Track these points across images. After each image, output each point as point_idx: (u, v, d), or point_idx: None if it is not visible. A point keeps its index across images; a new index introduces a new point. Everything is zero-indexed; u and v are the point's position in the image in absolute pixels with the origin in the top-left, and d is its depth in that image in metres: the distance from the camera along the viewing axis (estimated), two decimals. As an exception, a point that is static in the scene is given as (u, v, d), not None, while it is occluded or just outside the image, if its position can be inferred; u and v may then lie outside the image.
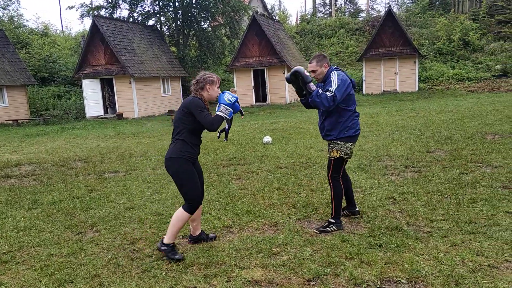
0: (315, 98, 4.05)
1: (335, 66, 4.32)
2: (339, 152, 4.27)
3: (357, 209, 4.75)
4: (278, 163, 7.85)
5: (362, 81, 25.45)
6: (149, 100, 22.98)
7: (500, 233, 3.94)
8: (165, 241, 3.88)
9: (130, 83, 21.71)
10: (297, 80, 4.12)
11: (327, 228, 4.31)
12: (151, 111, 22.97)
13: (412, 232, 4.12)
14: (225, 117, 3.77)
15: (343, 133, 4.24)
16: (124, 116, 21.83)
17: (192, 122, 3.74)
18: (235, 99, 3.83)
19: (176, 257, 3.81)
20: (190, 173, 3.80)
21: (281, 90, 24.21)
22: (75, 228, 4.93)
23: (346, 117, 4.24)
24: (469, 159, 7.03)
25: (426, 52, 29.56)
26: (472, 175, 6.03)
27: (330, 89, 4.06)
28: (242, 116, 13.18)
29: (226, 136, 11.33)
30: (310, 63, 4.31)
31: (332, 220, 4.37)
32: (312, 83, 4.11)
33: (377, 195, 5.40)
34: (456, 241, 3.83)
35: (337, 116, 4.23)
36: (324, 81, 4.27)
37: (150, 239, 4.42)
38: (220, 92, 3.89)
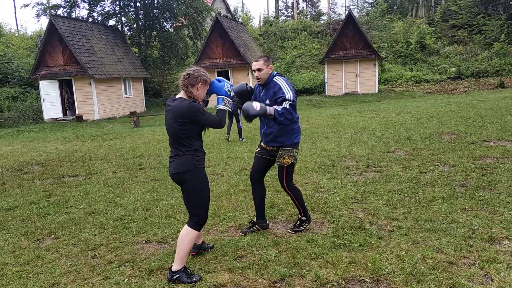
0: (280, 119, 3.91)
1: (276, 72, 4.23)
2: (290, 158, 4.16)
3: (267, 222, 4.50)
4: (244, 164, 7.84)
5: (325, 83, 25.89)
6: (110, 102, 22.40)
7: (458, 230, 4.09)
8: (174, 268, 3.42)
9: (90, 84, 21.09)
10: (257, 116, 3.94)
11: (301, 227, 4.37)
12: (112, 112, 22.40)
13: (374, 231, 4.21)
14: (228, 109, 3.53)
15: (291, 139, 4.16)
16: (84, 118, 21.17)
17: (195, 128, 3.40)
18: (232, 88, 3.60)
19: (194, 279, 3.39)
20: (208, 184, 3.52)
21: (245, 91, 24.25)
22: (32, 235, 4.71)
23: (293, 124, 4.16)
24: (427, 158, 7.29)
25: (385, 55, 30.45)
26: (430, 174, 6.24)
27: (285, 96, 3.94)
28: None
29: (240, 135, 10.97)
30: (256, 61, 4.13)
31: (303, 218, 4.41)
32: (267, 107, 3.88)
33: (340, 195, 5.49)
34: (416, 239, 3.94)
35: (284, 125, 4.09)
36: (266, 84, 4.14)
37: (112, 245, 4.29)
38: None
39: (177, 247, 3.47)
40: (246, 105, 3.87)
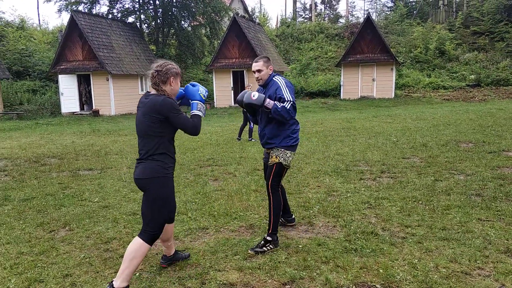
0: (275, 115, 3.85)
1: (276, 73, 4.19)
2: (278, 157, 4.00)
3: (293, 216, 4.60)
4: (256, 164, 7.84)
5: (340, 86, 25.75)
6: (126, 98, 22.63)
7: (473, 240, 4.02)
8: (116, 284, 3.04)
9: (108, 80, 21.34)
10: (252, 107, 3.95)
11: (264, 248, 3.92)
12: (128, 108, 22.63)
13: (387, 237, 4.17)
14: (202, 116, 3.28)
15: (284, 142, 4.01)
16: (100, 113, 21.44)
17: (169, 129, 3.12)
18: (207, 93, 3.38)
19: None
20: (172, 195, 3.25)
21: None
22: (47, 226, 4.79)
23: (287, 125, 4.02)
24: (443, 166, 7.19)
25: (403, 60, 30.16)
26: (446, 182, 6.16)
27: (284, 97, 3.88)
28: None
29: (250, 136, 11.07)
30: (256, 62, 4.07)
31: (268, 238, 3.98)
32: (266, 99, 3.86)
33: (353, 200, 5.45)
34: (430, 247, 3.89)
35: (279, 124, 3.99)
36: (266, 85, 4.11)
37: (124, 239, 4.33)
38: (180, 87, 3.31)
39: (124, 261, 3.08)
40: (243, 92, 3.96)
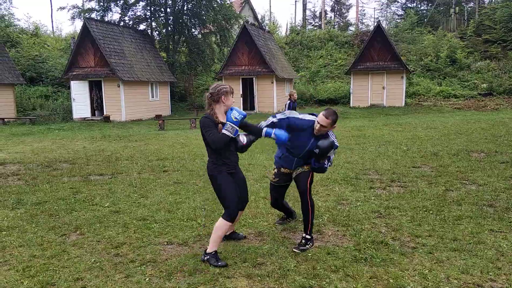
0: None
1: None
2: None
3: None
4: (265, 172, 7.85)
5: (350, 94, 25.70)
6: (137, 104, 22.81)
7: (485, 251, 3.98)
8: (208, 250, 3.92)
9: (119, 86, 21.55)
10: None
11: (306, 246, 4.19)
12: (139, 115, 22.80)
13: (397, 247, 4.14)
14: (230, 135, 3.77)
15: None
16: (111, 119, 21.62)
17: None
18: (242, 116, 3.81)
19: (219, 263, 3.81)
20: (226, 184, 3.93)
21: (269, 99, 24.30)
22: (59, 230, 4.85)
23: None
24: (454, 176, 7.13)
25: (414, 68, 30.02)
26: (457, 192, 6.10)
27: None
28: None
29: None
30: (327, 118, 4.02)
31: (308, 236, 4.26)
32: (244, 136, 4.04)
33: (363, 209, 5.43)
34: (441, 258, 3.86)
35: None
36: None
37: (134, 244, 4.36)
38: (233, 101, 3.96)
39: (212, 232, 3.95)
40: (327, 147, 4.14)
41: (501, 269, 3.62)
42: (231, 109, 3.87)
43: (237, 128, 3.83)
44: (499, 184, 6.43)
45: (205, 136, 3.83)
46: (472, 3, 44.95)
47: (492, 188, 6.25)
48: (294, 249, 4.15)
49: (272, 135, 4.00)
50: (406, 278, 3.48)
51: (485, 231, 4.53)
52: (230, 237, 4.43)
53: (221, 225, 3.90)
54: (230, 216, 3.90)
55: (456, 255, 3.93)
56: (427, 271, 3.60)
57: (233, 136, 3.84)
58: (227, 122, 3.80)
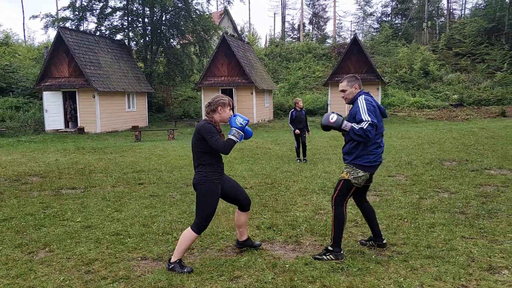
0: (354, 137, 3.96)
1: (365, 91, 4.22)
2: (348, 174, 4.08)
3: (384, 241, 4.40)
4: (244, 183, 7.80)
5: (327, 105, 26.02)
6: (113, 115, 22.47)
7: (457, 257, 4.03)
8: (172, 259, 3.94)
9: (94, 97, 21.20)
10: (331, 128, 4.10)
11: (324, 256, 4.11)
12: (115, 126, 22.45)
13: (373, 256, 4.15)
14: (237, 140, 3.85)
15: (357, 160, 4.06)
16: (85, 130, 21.20)
17: (206, 146, 3.87)
18: (246, 122, 3.90)
19: (184, 270, 3.85)
20: (210, 197, 3.91)
21: (249, 110, 24.35)
22: (26, 247, 4.65)
23: (363, 145, 4.03)
24: (428, 184, 7.25)
25: (389, 80, 30.69)
26: (431, 200, 6.20)
27: (361, 117, 3.93)
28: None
29: (298, 155, 10.55)
30: (341, 82, 4.28)
31: (330, 248, 4.14)
32: (344, 122, 3.99)
33: (340, 218, 5.42)
34: (415, 266, 3.89)
35: (357, 143, 4.04)
36: (352, 103, 4.19)
37: (107, 260, 4.23)
38: (232, 114, 3.99)
39: (178, 242, 3.97)
40: (325, 115, 4.14)
41: (472, 274, 3.66)
42: (235, 115, 3.95)
43: (242, 134, 3.91)
44: (470, 192, 6.57)
45: (198, 143, 3.86)
46: (443, 18, 46.49)
47: (464, 195, 6.38)
48: (312, 256, 4.20)
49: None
50: (382, 286, 3.49)
51: (457, 237, 4.59)
52: (245, 243, 4.40)
53: (189, 237, 3.91)
54: (199, 229, 3.92)
55: (430, 262, 3.97)
56: (402, 279, 3.62)
57: (239, 141, 3.91)
58: (233, 128, 3.88)
